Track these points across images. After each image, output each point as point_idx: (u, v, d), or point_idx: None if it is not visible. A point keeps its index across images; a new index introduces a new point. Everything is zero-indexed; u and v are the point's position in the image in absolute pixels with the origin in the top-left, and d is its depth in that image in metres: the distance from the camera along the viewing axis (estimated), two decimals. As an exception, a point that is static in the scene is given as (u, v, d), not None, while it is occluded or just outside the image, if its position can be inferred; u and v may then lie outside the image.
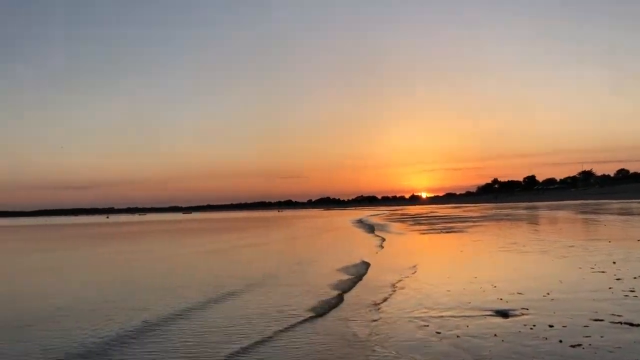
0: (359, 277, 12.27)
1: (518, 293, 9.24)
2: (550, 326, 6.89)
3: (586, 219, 35.03)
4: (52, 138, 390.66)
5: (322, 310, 8.66)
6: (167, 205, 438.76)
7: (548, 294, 9.07)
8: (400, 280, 11.45)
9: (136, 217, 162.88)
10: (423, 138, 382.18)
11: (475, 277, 11.28)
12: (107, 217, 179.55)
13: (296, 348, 6.52)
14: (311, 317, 8.15)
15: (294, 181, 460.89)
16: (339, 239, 28.93)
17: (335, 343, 6.66)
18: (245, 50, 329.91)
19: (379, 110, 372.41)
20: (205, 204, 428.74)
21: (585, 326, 6.82)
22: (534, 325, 6.94)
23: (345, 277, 12.40)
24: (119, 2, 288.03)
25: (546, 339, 6.32)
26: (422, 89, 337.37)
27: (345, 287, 10.89)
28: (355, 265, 14.51)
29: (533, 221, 36.17)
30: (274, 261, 17.18)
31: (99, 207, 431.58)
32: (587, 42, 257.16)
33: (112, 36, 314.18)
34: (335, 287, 10.97)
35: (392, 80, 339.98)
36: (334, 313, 8.47)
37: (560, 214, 46.38)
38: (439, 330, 6.94)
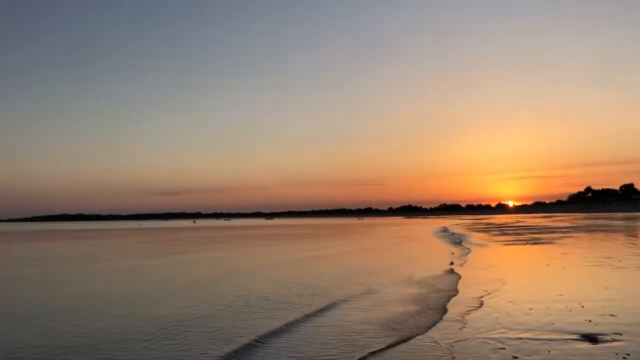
0: (436, 291, 11.64)
1: (610, 315, 8.31)
2: (648, 356, 6.05)
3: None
4: (145, 146, 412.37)
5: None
6: (250, 211, 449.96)
7: (646, 317, 8.10)
8: (477, 298, 10.71)
9: (221, 222, 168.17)
10: (511, 145, 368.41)
11: (561, 295, 10.35)
12: (194, 222, 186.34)
13: None
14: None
15: (375, 189, 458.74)
16: (422, 249, 28.06)
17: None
18: (331, 56, 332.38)
19: (465, 116, 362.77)
20: (286, 210, 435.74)
21: (690, 358, 5.93)
22: (628, 354, 6.11)
23: (424, 290, 11.82)
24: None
25: (642, 372, 5.53)
26: (509, 93, 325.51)
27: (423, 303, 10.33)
28: (435, 277, 13.87)
29: (631, 233, 33.53)
30: (378, 268, 16.77)
31: (187, 211, 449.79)
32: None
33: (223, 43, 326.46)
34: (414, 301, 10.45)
35: (479, 86, 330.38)
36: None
37: (662, 226, 42.80)
38: (515, 355, 6.27)
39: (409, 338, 7.37)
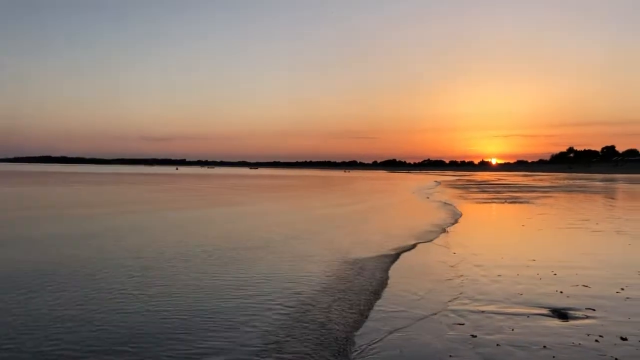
0: (396, 257, 10.87)
1: (584, 285, 7.58)
2: (623, 339, 5.29)
3: (671, 195, 31.70)
4: (135, 92, 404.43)
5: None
6: (235, 160, 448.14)
7: (622, 289, 7.37)
8: (442, 261, 9.96)
9: (205, 170, 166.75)
10: (496, 103, 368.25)
11: (534, 260, 9.62)
12: (177, 169, 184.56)
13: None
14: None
15: (360, 142, 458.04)
16: (403, 208, 27.36)
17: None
18: (321, 16, 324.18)
19: (452, 73, 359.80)
20: (271, 160, 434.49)
21: (671, 343, 5.20)
22: (601, 336, 5.35)
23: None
24: None
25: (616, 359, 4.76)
26: (497, 52, 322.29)
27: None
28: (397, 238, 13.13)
29: (610, 195, 33.19)
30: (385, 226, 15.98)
31: (172, 158, 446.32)
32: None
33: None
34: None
35: (467, 44, 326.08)
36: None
37: (642, 188, 42.63)
38: (474, 333, 5.49)
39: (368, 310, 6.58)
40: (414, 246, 11.48)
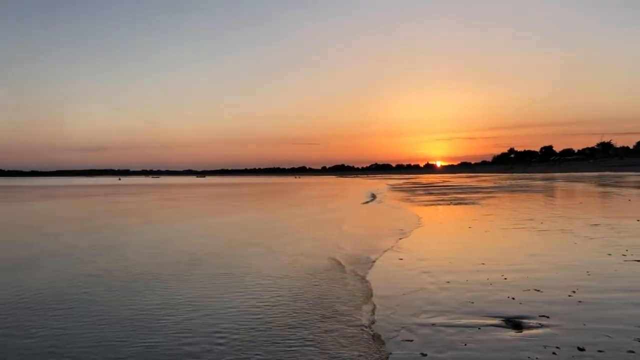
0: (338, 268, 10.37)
1: (535, 290, 7.29)
2: (581, 349, 4.95)
3: (607, 192, 32.72)
4: (73, 100, 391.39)
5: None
6: (181, 169, 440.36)
7: (574, 292, 7.11)
8: (386, 270, 9.53)
9: (150, 180, 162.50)
10: (439, 107, 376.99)
11: (483, 264, 9.34)
12: (119, 179, 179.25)
13: None
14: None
15: (308, 148, 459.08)
16: (350, 214, 26.98)
17: None
18: (263, 13, 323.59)
19: (396, 78, 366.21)
20: (219, 168, 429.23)
21: (630, 351, 4.88)
22: (557, 348, 4.99)
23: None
24: None
25: (576, 374, 4.39)
26: (440, 57, 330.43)
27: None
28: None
29: (550, 194, 33.95)
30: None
31: (114, 168, 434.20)
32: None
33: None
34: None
35: (411, 48, 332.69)
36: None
37: (579, 186, 44.00)
38: (424, 351, 5.02)
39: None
40: (356, 253, 11.02)
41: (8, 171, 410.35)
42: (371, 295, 7.31)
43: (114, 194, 47.94)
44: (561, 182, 57.28)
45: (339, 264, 9.85)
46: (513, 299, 6.85)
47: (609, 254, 9.99)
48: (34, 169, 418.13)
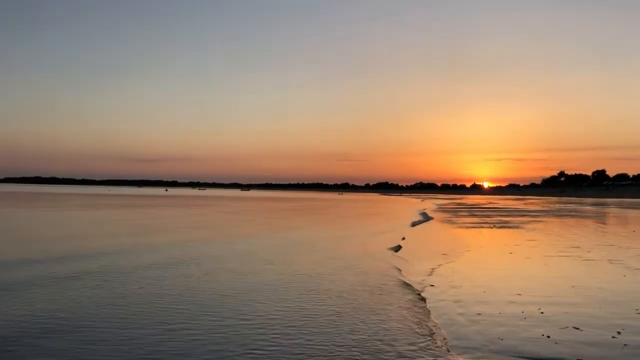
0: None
1: (574, 327, 6.59)
2: (622, 404, 4.30)
3: (664, 221, 30.90)
4: (125, 113, 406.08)
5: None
6: (227, 182, 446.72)
7: (618, 333, 6.38)
8: (415, 296, 8.94)
9: (195, 192, 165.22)
10: (488, 127, 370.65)
11: (519, 295, 8.64)
12: (166, 190, 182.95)
13: None
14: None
15: (351, 164, 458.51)
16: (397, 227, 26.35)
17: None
18: (312, 30, 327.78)
19: (443, 96, 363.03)
20: (263, 182, 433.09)
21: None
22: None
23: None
24: None
25: None
26: (489, 76, 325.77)
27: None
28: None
29: (601, 220, 32.34)
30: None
31: (163, 179, 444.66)
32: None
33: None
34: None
35: (460, 68, 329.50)
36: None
37: (633, 213, 41.90)
38: (439, 396, 4.48)
39: None
40: (382, 276, 10.46)
41: (62, 179, 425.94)
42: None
43: (180, 206, 48.68)
44: (613, 208, 54.83)
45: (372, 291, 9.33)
46: (548, 337, 6.18)
47: (662, 290, 9.12)
48: (85, 177, 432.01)
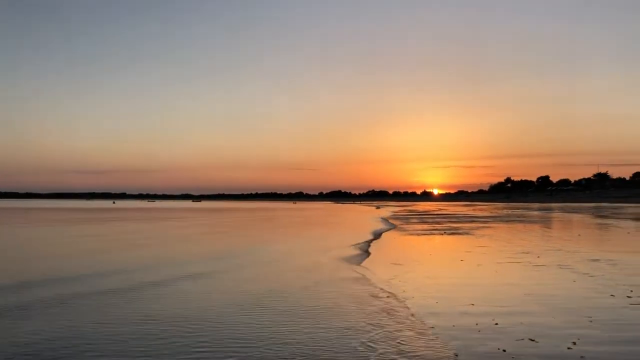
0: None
1: (529, 339, 6.33)
2: None
3: (605, 224, 31.84)
4: (70, 123, 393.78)
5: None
6: (177, 193, 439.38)
7: (574, 343, 6.15)
8: (362, 309, 8.55)
9: (145, 203, 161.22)
10: (437, 135, 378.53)
11: (472, 305, 8.38)
12: (114, 202, 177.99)
13: None
14: None
15: (304, 173, 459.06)
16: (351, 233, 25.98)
17: None
18: (260, 42, 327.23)
19: (392, 105, 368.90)
20: (216, 192, 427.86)
21: None
22: None
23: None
24: None
25: None
26: (437, 85, 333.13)
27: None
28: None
29: (547, 225, 33.03)
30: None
31: (111, 191, 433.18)
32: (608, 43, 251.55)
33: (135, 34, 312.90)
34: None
35: (407, 76, 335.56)
36: None
37: (577, 217, 43.15)
38: None
39: None
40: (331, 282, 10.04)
41: (3, 193, 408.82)
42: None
43: (126, 220, 46.92)
44: (558, 212, 56.44)
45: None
46: (504, 351, 5.89)
47: (612, 295, 9.05)
48: (29, 190, 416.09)
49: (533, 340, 6.29)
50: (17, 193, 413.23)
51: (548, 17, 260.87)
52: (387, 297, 9.19)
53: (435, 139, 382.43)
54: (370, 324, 7.19)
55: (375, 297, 9.21)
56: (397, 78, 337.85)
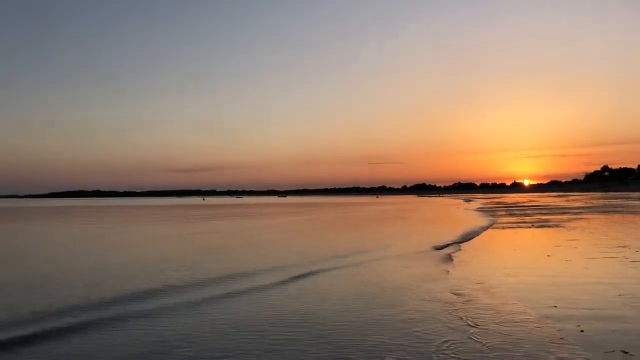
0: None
1: (623, 352, 5.40)
2: None
3: None
4: (165, 125, 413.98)
5: None
6: (264, 189, 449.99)
7: (678, 358, 5.17)
8: (435, 309, 7.83)
9: (233, 200, 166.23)
10: (527, 123, 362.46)
11: (555, 307, 7.45)
12: (203, 199, 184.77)
13: None
14: None
15: (387, 167, 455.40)
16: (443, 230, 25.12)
17: None
18: (341, 36, 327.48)
19: (481, 94, 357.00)
20: (300, 188, 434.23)
21: None
22: None
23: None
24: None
25: None
26: (525, 69, 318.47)
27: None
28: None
29: (650, 215, 30.25)
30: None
31: (202, 188, 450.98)
32: None
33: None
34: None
35: (495, 63, 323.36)
36: None
37: (685, 206, 39.33)
38: None
39: None
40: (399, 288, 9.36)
41: (105, 192, 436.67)
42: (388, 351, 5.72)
43: (230, 217, 48.47)
44: (663, 202, 51.95)
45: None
46: (589, 365, 5.03)
47: None
48: (127, 189, 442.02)
49: (626, 353, 5.36)
50: (117, 192, 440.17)
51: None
52: (463, 294, 8.41)
53: (526, 127, 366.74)
54: (434, 330, 6.50)
55: (440, 300, 8.44)
56: (484, 64, 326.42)
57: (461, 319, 6.94)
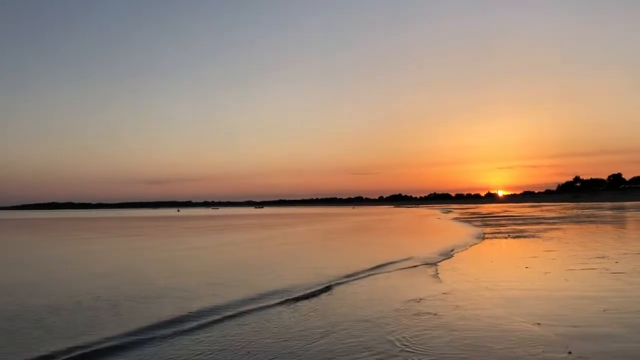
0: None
1: (613, 375, 4.89)
2: None
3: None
4: (138, 135, 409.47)
5: None
6: (240, 200, 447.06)
7: (675, 382, 4.68)
8: (406, 331, 7.26)
9: (209, 211, 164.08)
10: (501, 135, 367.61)
11: (539, 324, 6.94)
12: (178, 210, 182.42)
13: None
14: None
15: (364, 177, 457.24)
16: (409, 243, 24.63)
17: None
18: (324, 50, 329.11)
19: (456, 107, 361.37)
20: (277, 199, 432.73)
21: None
22: None
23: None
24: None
25: None
26: (498, 83, 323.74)
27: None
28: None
29: (622, 225, 30.31)
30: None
31: (177, 200, 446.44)
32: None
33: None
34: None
35: (468, 77, 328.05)
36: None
37: (657, 216, 39.68)
38: None
39: None
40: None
41: (78, 204, 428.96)
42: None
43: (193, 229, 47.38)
44: (633, 211, 52.54)
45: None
46: (580, 394, 4.50)
47: None
48: (100, 201, 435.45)
49: (618, 377, 4.86)
50: (90, 203, 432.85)
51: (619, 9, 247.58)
52: (430, 314, 7.86)
53: (498, 138, 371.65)
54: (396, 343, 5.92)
55: (418, 314, 7.89)
56: (456, 78, 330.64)
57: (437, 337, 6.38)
